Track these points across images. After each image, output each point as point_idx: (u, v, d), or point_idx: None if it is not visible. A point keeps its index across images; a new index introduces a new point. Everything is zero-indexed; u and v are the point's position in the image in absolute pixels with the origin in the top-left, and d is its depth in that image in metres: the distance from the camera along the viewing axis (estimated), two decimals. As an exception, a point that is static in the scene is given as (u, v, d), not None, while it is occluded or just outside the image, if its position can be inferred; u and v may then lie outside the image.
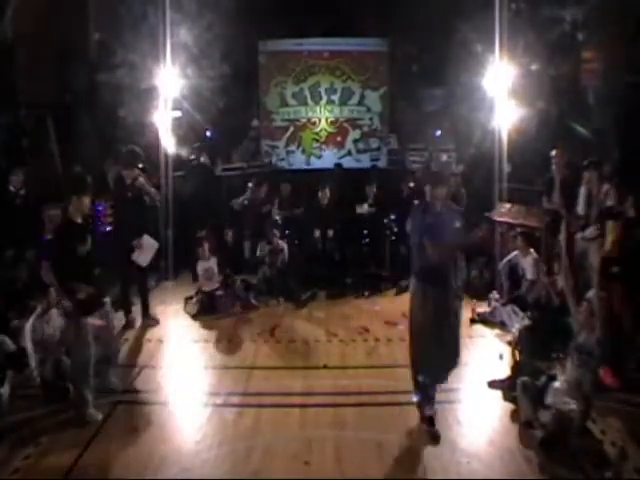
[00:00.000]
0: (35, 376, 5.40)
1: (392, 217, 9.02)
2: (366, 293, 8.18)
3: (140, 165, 7.00)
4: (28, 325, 5.51)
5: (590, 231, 6.13)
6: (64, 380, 5.31)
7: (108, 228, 7.33)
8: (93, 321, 5.04)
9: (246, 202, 9.01)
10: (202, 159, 9.37)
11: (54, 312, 5.68)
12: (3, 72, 7.95)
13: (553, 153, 7.13)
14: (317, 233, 8.94)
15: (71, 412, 5.02)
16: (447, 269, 4.58)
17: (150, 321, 7.15)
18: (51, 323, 5.63)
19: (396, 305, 7.73)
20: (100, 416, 4.98)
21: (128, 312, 7.09)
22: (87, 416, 4.93)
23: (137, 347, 6.52)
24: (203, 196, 8.78)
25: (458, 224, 4.75)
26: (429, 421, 4.75)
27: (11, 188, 7.21)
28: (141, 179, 6.87)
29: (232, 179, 9.94)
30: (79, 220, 5.03)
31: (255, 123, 11.39)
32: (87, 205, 5.10)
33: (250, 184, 9.13)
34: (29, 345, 5.44)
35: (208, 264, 7.77)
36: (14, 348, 5.61)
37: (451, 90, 10.18)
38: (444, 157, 10.37)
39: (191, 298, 7.72)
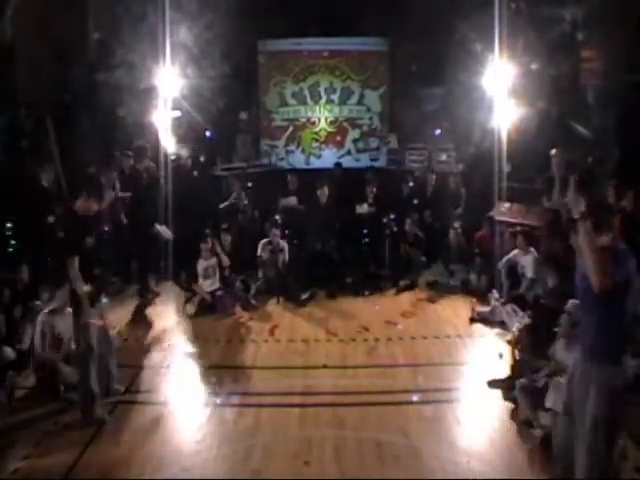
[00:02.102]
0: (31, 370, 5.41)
1: (392, 217, 9.02)
2: (366, 292, 8.18)
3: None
4: (38, 320, 5.48)
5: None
6: (59, 382, 5.33)
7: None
8: (94, 321, 5.05)
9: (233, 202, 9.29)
10: (186, 160, 9.40)
11: (67, 311, 5.65)
12: (3, 72, 7.95)
13: (553, 152, 7.13)
14: (316, 232, 8.93)
15: (73, 413, 5.04)
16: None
17: (151, 294, 7.96)
18: (62, 321, 5.59)
19: (396, 305, 7.74)
20: (107, 415, 5.00)
21: (146, 290, 7.91)
22: (95, 415, 4.94)
23: (137, 347, 6.52)
24: (186, 196, 8.77)
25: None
26: None
27: (43, 183, 7.48)
28: (152, 164, 8.27)
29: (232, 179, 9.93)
30: (86, 214, 5.06)
31: (243, 116, 11.32)
32: (94, 207, 5.12)
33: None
34: (37, 341, 5.41)
35: (208, 263, 7.76)
36: (14, 356, 5.62)
37: (451, 89, 10.18)
38: (443, 156, 10.38)
39: (191, 298, 7.72)
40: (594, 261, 3.24)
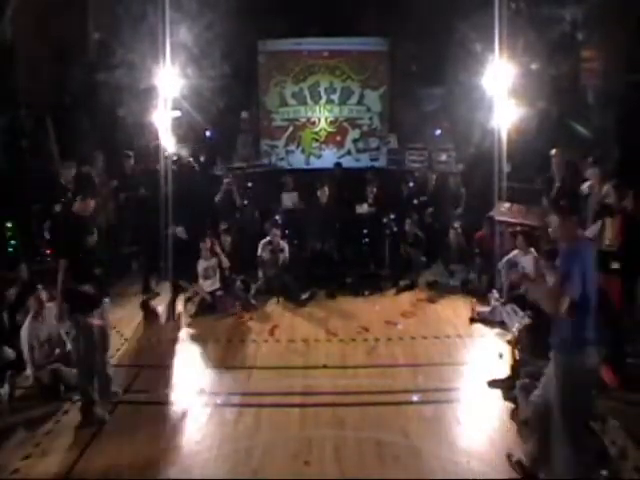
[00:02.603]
0: (28, 374, 5.41)
1: (392, 217, 9.02)
2: (366, 293, 8.17)
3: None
4: (24, 327, 5.50)
5: (591, 230, 6.12)
6: (59, 383, 5.36)
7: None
8: (93, 321, 5.04)
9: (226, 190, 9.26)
10: (188, 159, 9.38)
11: (47, 311, 5.68)
12: (3, 72, 7.95)
13: (553, 152, 7.12)
14: (316, 233, 8.93)
15: (73, 413, 5.06)
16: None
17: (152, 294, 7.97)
18: (46, 323, 5.62)
19: (396, 305, 7.74)
20: (107, 415, 5.01)
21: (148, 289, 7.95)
22: (95, 415, 4.95)
23: (137, 347, 6.52)
24: (187, 196, 8.75)
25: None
26: None
27: (62, 181, 7.51)
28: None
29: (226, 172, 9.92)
30: (84, 214, 5.06)
31: (244, 115, 11.31)
32: (92, 206, 5.11)
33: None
34: (25, 348, 5.43)
35: (208, 264, 7.76)
36: (14, 356, 5.62)
37: (451, 89, 10.17)
38: (443, 156, 10.37)
39: (191, 298, 7.72)
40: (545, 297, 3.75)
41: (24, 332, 5.48)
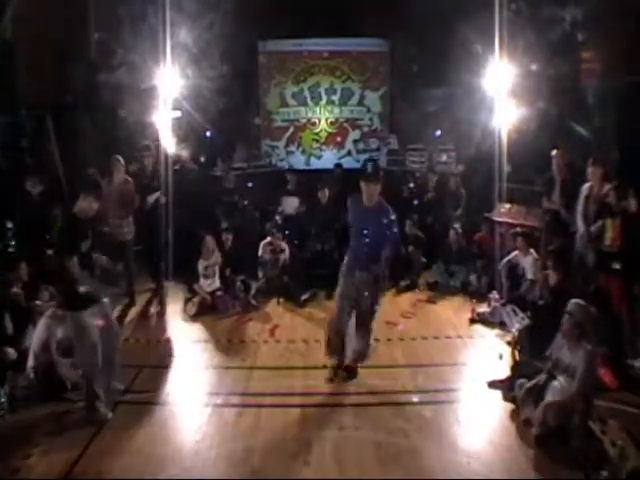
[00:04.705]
0: (28, 373, 5.41)
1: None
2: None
3: None
4: (43, 320, 5.48)
5: (593, 229, 6.12)
6: (57, 381, 5.34)
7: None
8: (96, 321, 5.04)
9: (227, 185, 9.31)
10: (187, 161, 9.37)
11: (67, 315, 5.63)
12: (3, 72, 7.95)
13: (554, 153, 7.12)
14: (317, 233, 8.92)
15: (73, 413, 5.06)
16: None
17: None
18: (62, 324, 5.58)
19: (396, 305, 7.73)
20: (110, 414, 5.01)
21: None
22: (98, 414, 4.95)
23: (137, 347, 6.52)
24: (187, 198, 8.74)
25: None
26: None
27: (28, 189, 7.37)
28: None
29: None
30: (82, 217, 5.05)
31: (258, 121, 11.33)
32: (94, 208, 5.11)
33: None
34: (36, 343, 5.42)
35: (208, 263, 7.76)
36: (16, 357, 5.61)
37: (451, 90, 10.17)
38: (444, 157, 10.38)
39: (191, 298, 7.72)
40: None
41: (42, 324, 5.44)
